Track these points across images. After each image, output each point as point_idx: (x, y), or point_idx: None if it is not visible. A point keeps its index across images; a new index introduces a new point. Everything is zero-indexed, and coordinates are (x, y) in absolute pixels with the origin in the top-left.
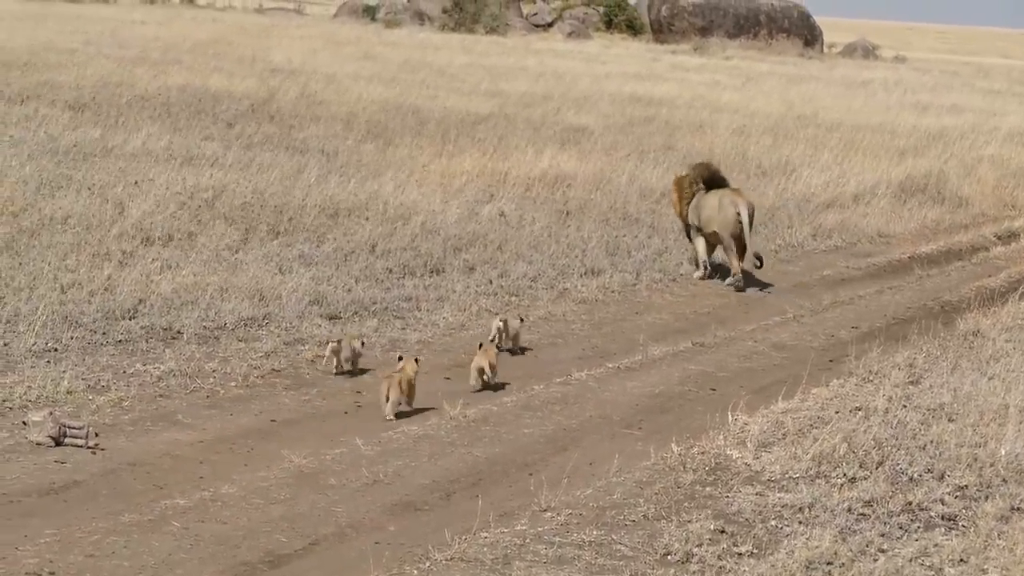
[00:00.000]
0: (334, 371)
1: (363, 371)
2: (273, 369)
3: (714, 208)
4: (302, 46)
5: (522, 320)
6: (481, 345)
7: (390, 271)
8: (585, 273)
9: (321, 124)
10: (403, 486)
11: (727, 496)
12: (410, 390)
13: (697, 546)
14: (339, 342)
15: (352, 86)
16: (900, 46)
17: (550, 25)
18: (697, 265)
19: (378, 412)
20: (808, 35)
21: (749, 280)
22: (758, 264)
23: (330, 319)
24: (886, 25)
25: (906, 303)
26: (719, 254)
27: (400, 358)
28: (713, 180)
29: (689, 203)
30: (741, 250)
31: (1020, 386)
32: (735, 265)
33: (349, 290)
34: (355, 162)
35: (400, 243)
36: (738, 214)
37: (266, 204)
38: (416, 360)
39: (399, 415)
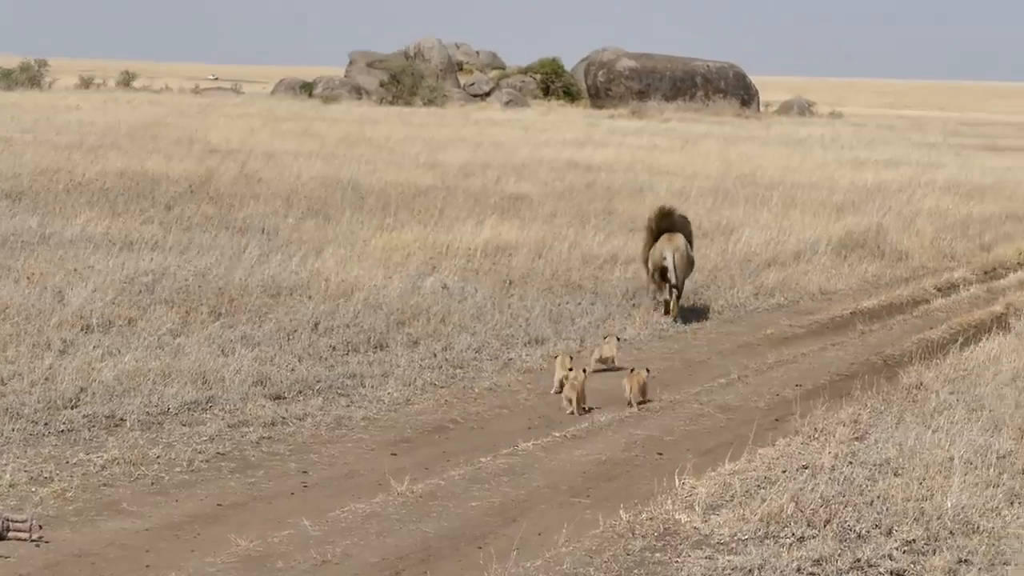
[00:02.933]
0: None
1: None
2: (218, 452)
3: (652, 251)
4: (240, 125)
5: (618, 339)
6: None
7: (334, 348)
8: (529, 342)
9: (261, 203)
10: (352, 566)
11: (677, 561)
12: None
13: None
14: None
15: (291, 163)
16: (836, 102)
17: (488, 94)
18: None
19: (325, 492)
20: (744, 95)
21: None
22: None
23: (274, 399)
24: (822, 82)
25: (849, 359)
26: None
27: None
28: (661, 226)
29: (648, 247)
30: (672, 290)
31: (964, 438)
32: (670, 305)
33: (293, 369)
34: (296, 240)
35: (343, 320)
36: (664, 257)
37: (207, 286)
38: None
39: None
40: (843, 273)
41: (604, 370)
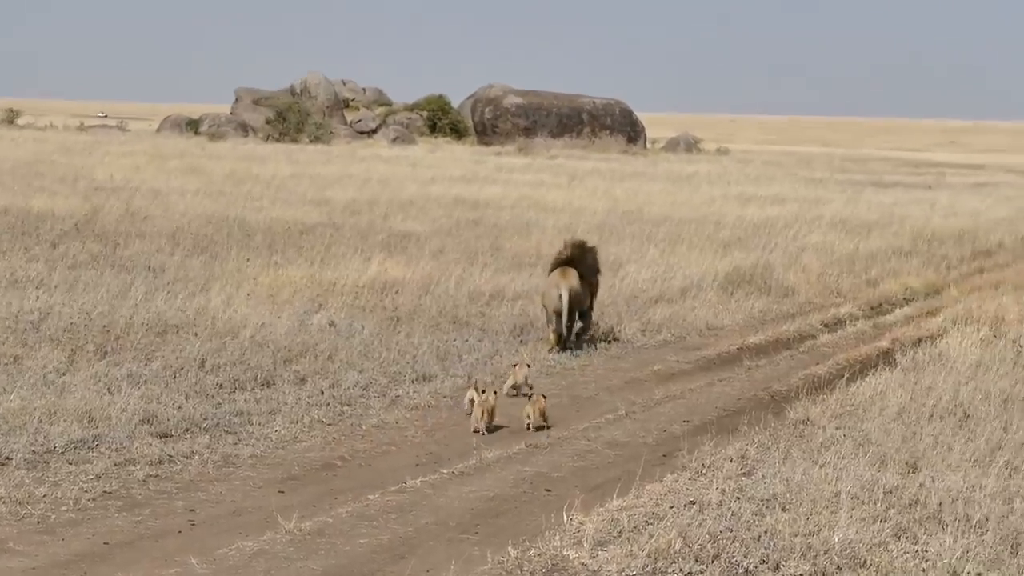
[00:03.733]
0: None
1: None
2: (105, 491)
3: (546, 286)
4: (126, 162)
5: (528, 366)
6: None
7: (220, 386)
8: (416, 379)
9: (147, 240)
10: None
11: None
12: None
13: None
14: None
15: (178, 201)
16: (723, 139)
17: (375, 131)
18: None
19: (212, 530)
20: (631, 131)
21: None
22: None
23: (161, 437)
24: (708, 119)
25: (736, 394)
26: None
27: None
28: (559, 261)
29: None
30: (562, 325)
31: (851, 473)
32: (552, 339)
33: (179, 407)
34: (182, 277)
35: (230, 357)
36: (559, 295)
37: (93, 324)
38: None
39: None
40: (730, 309)
41: (516, 395)
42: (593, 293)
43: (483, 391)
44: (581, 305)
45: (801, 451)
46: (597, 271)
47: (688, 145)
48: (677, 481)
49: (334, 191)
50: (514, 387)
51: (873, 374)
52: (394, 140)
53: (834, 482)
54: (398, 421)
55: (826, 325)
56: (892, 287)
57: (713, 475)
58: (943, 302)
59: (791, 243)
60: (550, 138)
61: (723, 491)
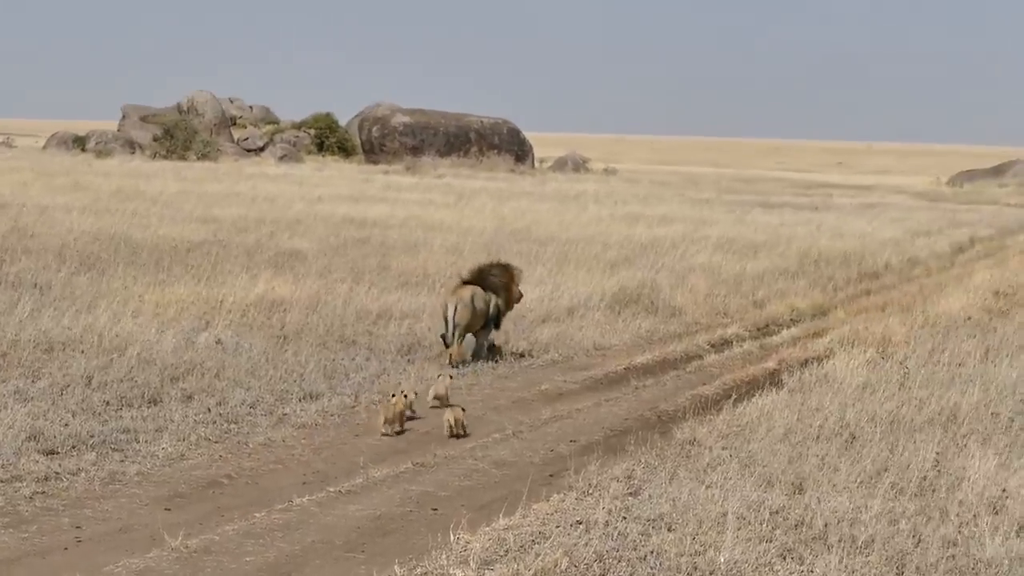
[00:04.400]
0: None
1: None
2: None
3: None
4: (11, 179)
5: (451, 377)
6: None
7: (107, 403)
8: (304, 397)
9: (33, 257)
10: None
11: None
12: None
13: None
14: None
15: (64, 217)
16: (611, 158)
17: (262, 149)
18: None
19: (99, 548)
20: (519, 150)
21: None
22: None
23: (48, 454)
24: (596, 138)
25: (623, 414)
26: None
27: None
28: (465, 279)
29: None
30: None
31: (738, 494)
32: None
33: (66, 424)
34: (69, 295)
35: (117, 375)
36: (445, 307)
37: None
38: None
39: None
40: (617, 329)
41: (438, 407)
42: (502, 309)
43: (393, 395)
44: (472, 320)
45: (688, 471)
46: (502, 289)
47: (576, 164)
48: (564, 501)
49: (221, 209)
50: (436, 398)
51: (760, 395)
52: (281, 158)
53: (720, 502)
54: (285, 439)
55: (713, 345)
56: (779, 308)
57: (599, 495)
58: (830, 323)
59: (678, 263)
60: (438, 157)
61: (609, 511)
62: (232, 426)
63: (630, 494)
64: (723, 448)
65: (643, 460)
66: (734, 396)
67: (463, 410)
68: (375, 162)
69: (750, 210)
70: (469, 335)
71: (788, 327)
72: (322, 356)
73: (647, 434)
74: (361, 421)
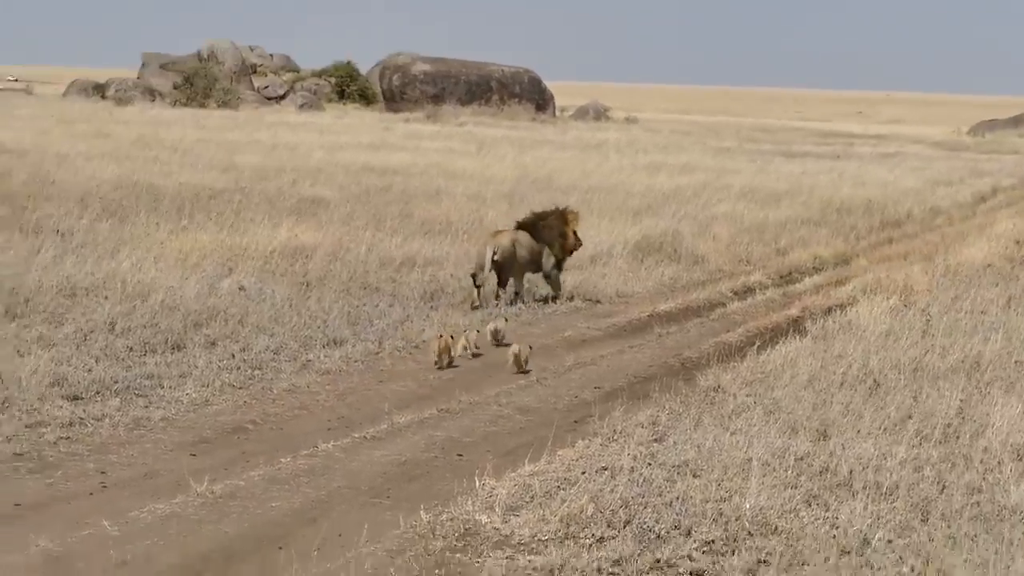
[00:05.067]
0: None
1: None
2: (15, 453)
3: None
4: (32, 126)
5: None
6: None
7: (131, 349)
8: (327, 344)
9: (55, 204)
10: (152, 567)
11: (477, 561)
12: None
13: None
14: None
15: (85, 165)
16: (632, 107)
17: (282, 97)
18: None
19: (124, 493)
20: (539, 99)
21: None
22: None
23: (72, 400)
24: (617, 88)
25: (647, 361)
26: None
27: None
28: (521, 224)
29: None
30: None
31: (762, 440)
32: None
33: (90, 370)
34: (91, 241)
35: (140, 321)
36: (483, 250)
37: (2, 287)
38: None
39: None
40: (640, 277)
41: (498, 345)
42: (558, 257)
43: (440, 335)
44: (511, 267)
45: (712, 418)
46: (557, 237)
47: (597, 113)
48: (589, 447)
49: (242, 156)
50: (494, 336)
51: (783, 342)
52: (302, 106)
53: (745, 449)
54: (309, 385)
55: (736, 293)
56: (801, 256)
57: (625, 441)
58: (852, 271)
59: (701, 212)
60: (459, 106)
61: (635, 457)
62: (256, 372)
63: (655, 440)
64: (747, 395)
65: (667, 407)
66: (758, 343)
67: (530, 347)
68: (396, 111)
69: (771, 159)
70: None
71: (811, 275)
72: (345, 303)
73: (671, 381)
74: (385, 367)
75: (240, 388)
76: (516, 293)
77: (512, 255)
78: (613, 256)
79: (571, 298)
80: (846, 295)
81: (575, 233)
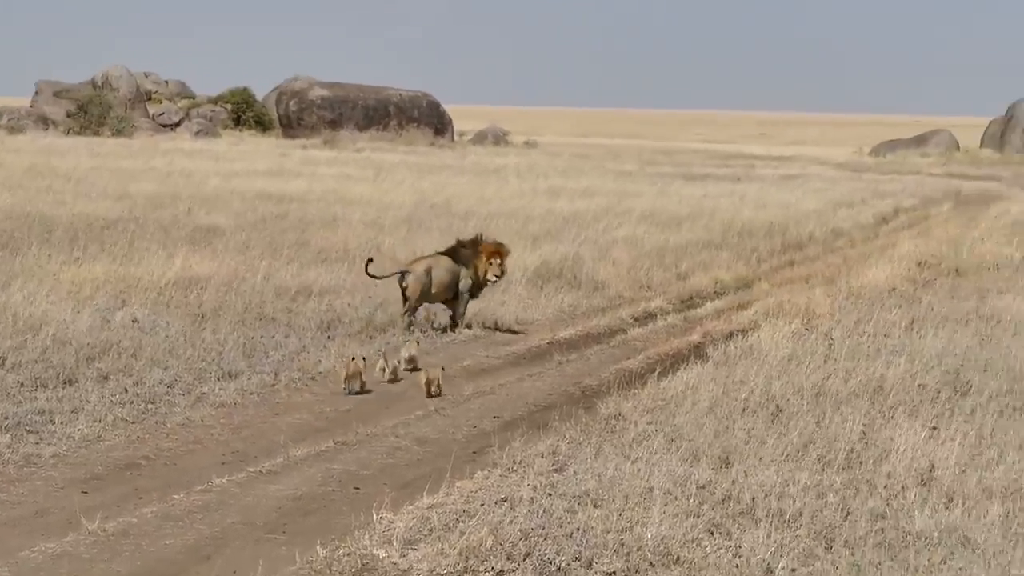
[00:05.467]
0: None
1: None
2: None
3: None
4: None
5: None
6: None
7: (22, 384)
8: (222, 376)
9: None
10: None
11: None
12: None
13: None
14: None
15: None
16: (531, 130)
17: (177, 124)
18: None
19: (14, 532)
20: (438, 124)
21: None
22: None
23: None
24: (516, 111)
25: (547, 389)
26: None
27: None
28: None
29: None
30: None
31: (663, 468)
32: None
33: None
34: None
35: (31, 355)
36: (402, 278)
37: None
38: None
39: None
40: (540, 303)
41: (411, 370)
42: (474, 281)
43: (352, 358)
44: (425, 293)
45: (613, 446)
46: (470, 262)
47: (496, 138)
48: (488, 478)
49: (137, 185)
50: (408, 360)
51: (685, 368)
52: (197, 133)
53: (647, 477)
54: (203, 419)
55: (637, 319)
56: (703, 280)
57: (524, 472)
58: (754, 295)
59: (601, 236)
60: (356, 131)
61: (535, 487)
62: (149, 406)
63: (555, 470)
64: (648, 423)
65: (568, 436)
66: (659, 370)
67: (442, 369)
68: (293, 136)
69: (672, 182)
70: (440, 305)
71: (712, 299)
72: (241, 334)
73: (572, 409)
74: (281, 400)
75: (133, 423)
76: (455, 318)
77: (424, 282)
78: (512, 283)
79: (469, 326)
80: (748, 319)
81: (489, 264)
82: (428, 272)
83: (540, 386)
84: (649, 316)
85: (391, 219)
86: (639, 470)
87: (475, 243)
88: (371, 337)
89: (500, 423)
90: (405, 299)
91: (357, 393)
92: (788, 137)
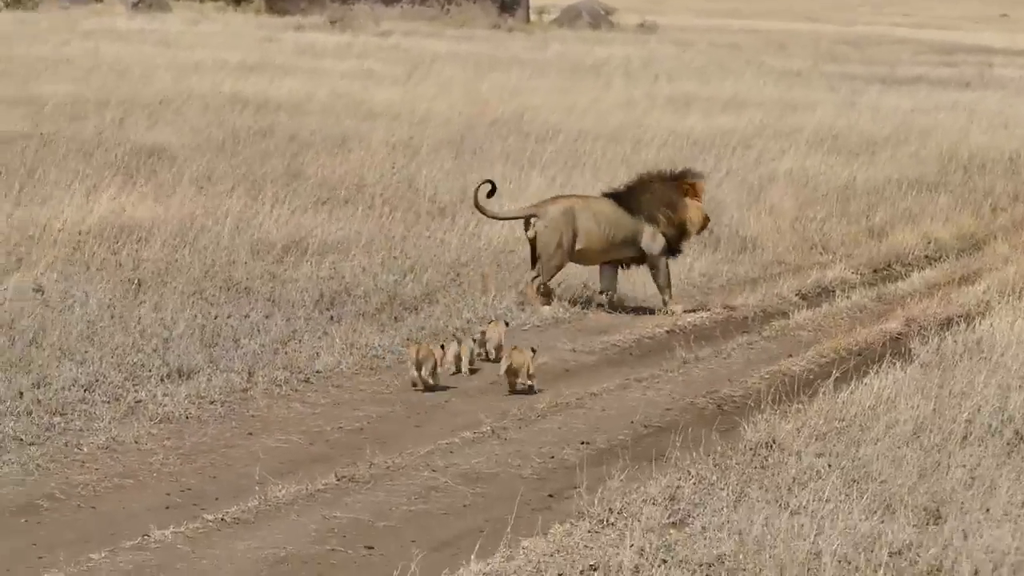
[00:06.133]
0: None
1: None
2: None
3: None
4: None
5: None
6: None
7: None
8: (169, 375)
9: None
10: None
11: None
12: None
13: None
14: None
15: None
16: (648, 7)
17: None
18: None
19: None
20: None
21: None
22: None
23: None
24: None
25: (664, 402)
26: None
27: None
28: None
29: None
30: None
31: (840, 524)
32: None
33: None
34: None
35: None
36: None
37: None
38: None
39: None
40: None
41: (486, 359)
42: (665, 233)
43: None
44: (564, 248)
45: (763, 489)
46: (658, 204)
47: (594, 18)
48: (571, 535)
49: (43, 83)
50: (492, 349)
51: (876, 372)
52: (136, 4)
53: (813, 537)
54: (139, 439)
55: (803, 297)
56: (907, 239)
57: (627, 525)
58: (986, 262)
59: (753, 170)
60: (380, 5)
61: (642, 551)
62: (56, 420)
63: (673, 524)
64: (818, 455)
65: (694, 472)
66: (836, 374)
67: (533, 351)
68: (283, 11)
69: (865, 88)
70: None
71: (921, 268)
72: (198, 311)
73: (700, 432)
74: (258, 412)
75: (32, 444)
76: (662, 288)
77: (563, 232)
78: None
79: (582, 302)
80: (975, 300)
81: (695, 206)
82: (569, 218)
83: (653, 397)
84: (823, 292)
85: (431, 140)
86: (802, 526)
87: (668, 180)
88: (396, 319)
89: (591, 452)
90: (535, 258)
91: (430, 389)
92: None
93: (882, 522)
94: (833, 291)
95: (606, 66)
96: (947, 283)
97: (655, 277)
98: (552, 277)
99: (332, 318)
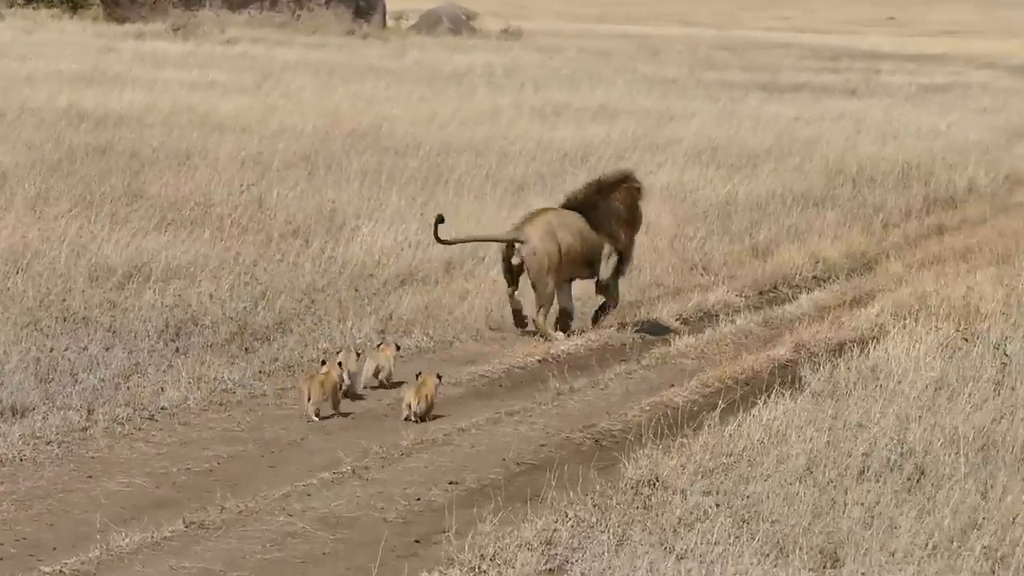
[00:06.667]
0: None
1: None
2: None
3: None
4: None
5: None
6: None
7: None
8: (1, 414)
9: None
10: None
11: None
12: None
13: None
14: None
15: None
16: (512, 12)
17: None
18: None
19: None
20: (361, 2)
21: None
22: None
23: None
24: None
25: (538, 438)
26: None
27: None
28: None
29: None
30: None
31: (729, 569)
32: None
33: None
34: None
35: None
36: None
37: None
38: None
39: None
40: (523, 294)
41: (379, 387)
42: (621, 250)
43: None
44: (557, 266)
45: (646, 532)
46: (617, 219)
47: (455, 23)
48: None
49: None
50: (375, 374)
51: (765, 402)
52: None
53: None
54: None
55: (686, 321)
56: (794, 258)
57: (500, 573)
58: (878, 283)
59: None
60: (227, 10)
61: None
62: None
63: (550, 571)
64: (705, 493)
65: (572, 513)
66: (721, 405)
67: (439, 377)
68: (121, 19)
69: (745, 96)
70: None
71: (810, 290)
72: (32, 344)
73: (577, 470)
74: (98, 453)
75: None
76: (606, 306)
77: (553, 249)
78: (482, 260)
79: (410, 331)
80: (868, 323)
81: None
82: (552, 236)
83: (526, 432)
84: (706, 316)
85: (283, 155)
86: (690, 571)
87: (617, 184)
88: (247, 349)
89: (460, 493)
90: (512, 281)
91: (322, 418)
92: (932, 23)
93: (775, 566)
94: (716, 315)
95: (469, 74)
96: (838, 305)
97: (607, 291)
98: (552, 302)
99: (178, 350)
